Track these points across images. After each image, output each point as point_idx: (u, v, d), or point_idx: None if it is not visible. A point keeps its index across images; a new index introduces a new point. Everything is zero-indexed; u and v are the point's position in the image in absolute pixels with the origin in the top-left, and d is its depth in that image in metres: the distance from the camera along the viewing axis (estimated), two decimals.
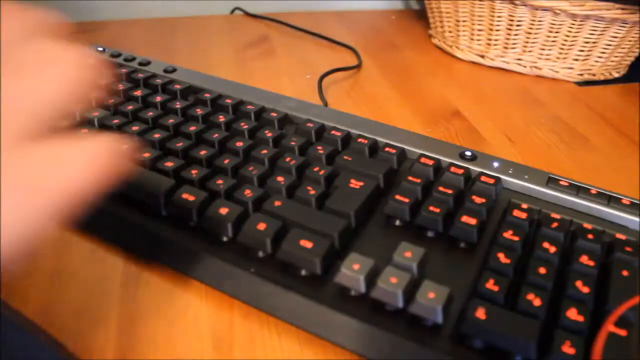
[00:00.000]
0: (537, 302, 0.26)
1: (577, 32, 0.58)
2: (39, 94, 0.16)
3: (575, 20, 0.57)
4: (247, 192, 0.32)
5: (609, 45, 0.59)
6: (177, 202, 0.31)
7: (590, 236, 0.30)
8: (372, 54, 0.66)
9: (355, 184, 0.33)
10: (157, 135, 0.37)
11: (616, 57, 0.62)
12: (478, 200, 0.32)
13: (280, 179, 0.33)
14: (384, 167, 0.35)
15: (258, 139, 0.38)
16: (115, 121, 0.39)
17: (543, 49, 0.61)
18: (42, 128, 0.16)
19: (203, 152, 0.36)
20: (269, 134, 0.38)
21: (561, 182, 0.35)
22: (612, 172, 0.45)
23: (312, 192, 0.32)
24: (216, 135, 0.38)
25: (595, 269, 0.28)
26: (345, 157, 0.36)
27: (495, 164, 0.37)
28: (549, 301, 0.26)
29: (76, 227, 0.34)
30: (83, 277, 0.31)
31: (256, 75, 0.59)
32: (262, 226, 0.29)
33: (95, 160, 0.17)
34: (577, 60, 0.61)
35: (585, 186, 0.35)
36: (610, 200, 0.34)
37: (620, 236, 0.31)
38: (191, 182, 0.33)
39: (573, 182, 0.35)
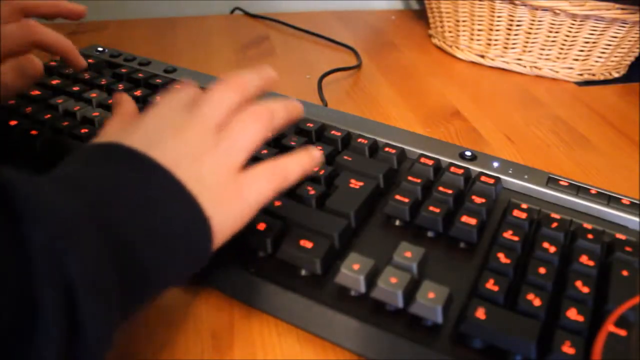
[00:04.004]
0: (537, 302, 0.26)
1: (577, 32, 0.58)
2: (242, 141, 0.26)
3: (575, 20, 0.57)
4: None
5: (609, 45, 0.59)
6: None
7: (590, 236, 0.30)
8: (372, 54, 0.66)
9: (355, 184, 0.33)
10: None
11: (616, 57, 0.62)
12: (478, 200, 0.32)
13: None
14: (384, 167, 0.35)
15: None
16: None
17: (543, 49, 0.61)
18: (248, 156, 0.26)
19: None
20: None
21: (561, 182, 0.35)
22: (612, 172, 0.45)
23: (312, 192, 0.32)
24: None
25: (595, 269, 0.28)
26: (345, 157, 0.36)
27: (495, 164, 0.37)
28: (549, 301, 0.26)
29: None
30: None
31: None
32: (262, 226, 0.29)
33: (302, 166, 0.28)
34: (577, 60, 0.61)
35: (585, 186, 0.35)
36: (610, 200, 0.34)
37: (620, 236, 0.31)
38: None
39: (573, 182, 0.35)
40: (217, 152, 0.25)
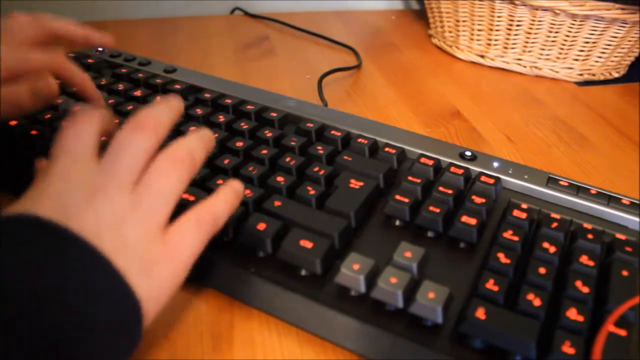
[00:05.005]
0: (537, 302, 0.26)
1: (577, 32, 0.58)
2: (164, 195, 0.24)
3: (575, 20, 0.57)
4: (247, 192, 0.32)
5: (609, 45, 0.59)
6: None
7: (590, 236, 0.30)
8: (372, 54, 0.66)
9: (355, 184, 0.33)
10: None
11: (616, 57, 0.62)
12: (478, 200, 0.32)
13: (280, 179, 0.33)
14: (384, 167, 0.35)
15: (258, 139, 0.38)
16: (115, 121, 0.39)
17: (543, 49, 0.61)
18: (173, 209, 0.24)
19: None
20: (269, 134, 0.38)
21: (561, 182, 0.35)
22: (612, 172, 0.45)
23: (312, 192, 0.32)
24: (216, 135, 0.38)
25: (595, 269, 0.28)
26: (345, 157, 0.36)
27: (495, 164, 0.37)
28: (549, 301, 0.26)
29: None
30: None
31: (256, 75, 0.59)
32: (262, 226, 0.29)
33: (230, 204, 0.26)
34: (577, 60, 0.61)
35: (585, 186, 0.35)
36: (610, 200, 0.34)
37: (620, 236, 0.31)
38: (191, 182, 0.33)
39: (573, 182, 0.35)
40: (139, 212, 0.23)
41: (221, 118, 0.40)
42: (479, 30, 0.63)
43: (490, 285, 0.27)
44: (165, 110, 0.26)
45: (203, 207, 0.25)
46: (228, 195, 0.26)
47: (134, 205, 0.23)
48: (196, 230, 0.24)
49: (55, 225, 0.20)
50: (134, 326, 0.22)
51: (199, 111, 0.41)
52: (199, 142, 0.26)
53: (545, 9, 0.57)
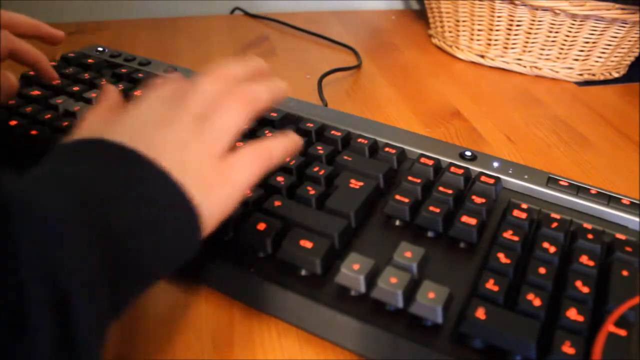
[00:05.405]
0: (537, 302, 0.26)
1: (577, 32, 0.58)
2: (224, 126, 0.26)
3: (575, 20, 0.57)
4: (247, 192, 0.32)
5: (609, 45, 0.59)
6: None
7: (590, 236, 0.30)
8: (372, 54, 0.66)
9: (355, 184, 0.33)
10: None
11: (616, 57, 0.62)
12: (478, 200, 0.32)
13: (280, 179, 0.33)
14: (384, 167, 0.35)
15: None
16: None
17: (543, 49, 0.61)
18: (232, 140, 0.26)
19: None
20: (269, 134, 0.38)
21: (561, 182, 0.35)
22: (612, 172, 0.45)
23: (312, 192, 0.32)
24: None
25: (595, 269, 0.28)
26: (345, 157, 0.36)
27: (495, 164, 0.37)
28: (549, 301, 0.26)
29: None
30: None
31: None
32: (262, 226, 0.29)
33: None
34: (577, 60, 0.61)
35: (585, 186, 0.35)
36: (610, 200, 0.34)
37: (620, 236, 0.31)
38: None
39: (573, 182, 0.35)
40: (201, 139, 0.25)
41: None
42: (479, 30, 0.63)
43: (490, 285, 0.27)
44: (240, 66, 0.29)
45: (261, 143, 0.27)
46: (285, 140, 0.28)
47: (197, 134, 0.25)
48: (252, 160, 0.26)
49: (122, 146, 0.23)
50: (193, 232, 0.23)
51: None
52: (264, 87, 0.28)
53: (545, 9, 0.57)
